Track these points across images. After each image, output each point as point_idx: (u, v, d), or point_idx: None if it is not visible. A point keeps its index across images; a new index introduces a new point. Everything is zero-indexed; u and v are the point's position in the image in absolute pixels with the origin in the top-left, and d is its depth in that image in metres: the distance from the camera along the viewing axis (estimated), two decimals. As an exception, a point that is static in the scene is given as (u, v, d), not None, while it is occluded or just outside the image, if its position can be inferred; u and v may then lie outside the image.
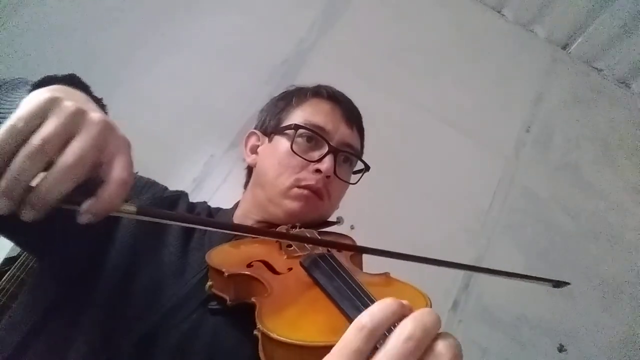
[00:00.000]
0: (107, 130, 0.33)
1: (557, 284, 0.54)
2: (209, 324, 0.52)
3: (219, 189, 1.48)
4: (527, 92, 1.87)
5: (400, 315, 0.30)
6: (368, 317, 0.30)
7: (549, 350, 1.46)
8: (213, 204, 1.50)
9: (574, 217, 1.68)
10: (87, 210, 0.30)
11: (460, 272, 1.52)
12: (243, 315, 0.50)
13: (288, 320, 0.41)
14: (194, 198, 1.54)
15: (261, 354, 0.40)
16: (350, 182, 0.74)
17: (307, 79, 1.67)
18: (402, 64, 1.79)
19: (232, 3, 1.76)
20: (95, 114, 0.33)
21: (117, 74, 1.57)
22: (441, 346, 0.29)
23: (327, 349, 0.32)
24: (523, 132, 1.80)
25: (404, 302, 0.31)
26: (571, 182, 1.75)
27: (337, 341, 0.32)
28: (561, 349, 1.47)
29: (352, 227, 1.37)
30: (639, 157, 1.83)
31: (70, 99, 0.32)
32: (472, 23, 1.95)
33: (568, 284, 0.55)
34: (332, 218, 0.75)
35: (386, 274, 0.54)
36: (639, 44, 1.86)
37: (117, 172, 0.31)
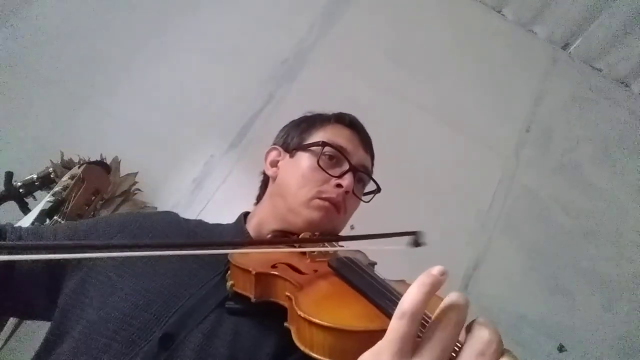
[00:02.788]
0: None
1: (415, 239, 0.57)
2: (228, 324, 0.55)
3: (219, 189, 1.48)
4: (527, 92, 1.88)
5: (433, 293, 0.32)
6: (408, 303, 0.32)
7: (549, 350, 1.46)
8: (213, 204, 1.51)
9: (574, 217, 1.69)
10: None
11: (461, 273, 1.52)
12: (260, 314, 0.54)
13: (325, 308, 0.43)
14: (194, 198, 1.55)
15: (298, 342, 0.41)
16: (363, 200, 0.80)
17: (307, 79, 1.69)
18: (402, 64, 1.79)
19: (232, 3, 1.76)
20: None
21: (118, 74, 1.57)
22: (478, 328, 0.31)
23: (365, 334, 0.36)
24: (523, 132, 1.80)
25: (435, 272, 0.32)
26: (571, 182, 1.75)
27: (374, 327, 0.36)
28: (561, 349, 1.47)
29: (352, 227, 1.37)
30: (639, 157, 1.83)
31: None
32: (472, 23, 1.95)
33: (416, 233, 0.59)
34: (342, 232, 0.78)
35: (403, 281, 0.57)
36: (639, 44, 1.86)
37: None
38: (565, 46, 1.99)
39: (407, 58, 1.81)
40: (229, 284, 0.55)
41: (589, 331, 1.51)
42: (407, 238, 0.58)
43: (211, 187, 1.48)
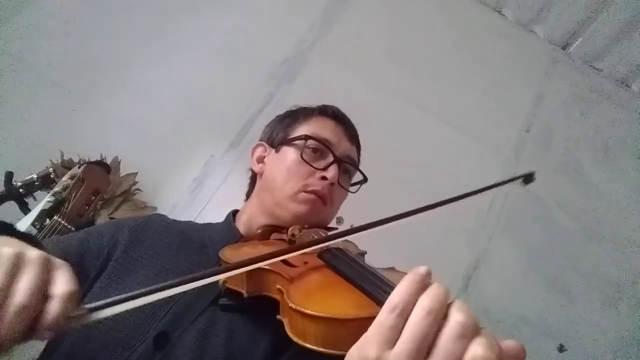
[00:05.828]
0: (46, 262, 0.35)
1: (526, 178, 0.55)
2: (223, 321, 0.55)
3: (219, 189, 1.48)
4: (527, 92, 1.87)
5: (421, 291, 0.33)
6: (398, 296, 0.32)
7: (549, 350, 1.46)
8: (213, 204, 1.51)
9: (574, 217, 1.68)
10: (42, 330, 0.33)
11: (461, 272, 1.52)
12: (254, 309, 0.54)
13: (316, 298, 0.44)
14: (194, 198, 1.55)
15: (291, 334, 0.41)
16: (350, 190, 0.81)
17: (307, 79, 1.69)
18: (402, 64, 1.79)
19: (233, 3, 1.76)
20: (32, 252, 0.35)
21: (118, 74, 1.57)
22: (455, 313, 0.32)
23: (356, 321, 0.37)
24: (523, 132, 1.80)
25: (422, 271, 0.33)
26: (571, 182, 1.75)
27: (364, 314, 0.36)
28: (561, 349, 1.47)
29: (351, 227, 1.37)
30: (639, 157, 1.83)
31: (7, 245, 0.35)
32: (472, 23, 1.95)
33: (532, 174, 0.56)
34: (332, 222, 0.78)
35: (392, 268, 0.57)
36: (639, 44, 1.85)
37: (59, 287, 0.34)
38: (565, 46, 1.99)
39: (408, 58, 1.81)
40: (221, 280, 0.55)
41: (589, 331, 1.51)
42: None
43: (211, 187, 1.48)
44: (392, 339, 0.31)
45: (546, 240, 1.63)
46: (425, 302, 0.32)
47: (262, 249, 0.61)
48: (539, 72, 1.92)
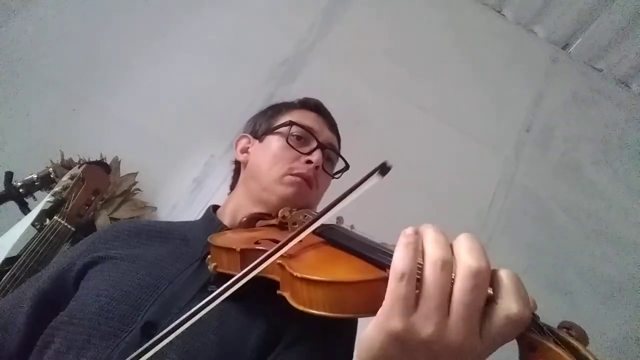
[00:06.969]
0: None
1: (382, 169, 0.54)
2: (213, 308, 0.54)
3: (219, 189, 1.48)
4: (527, 92, 1.87)
5: (418, 251, 0.34)
6: (400, 262, 0.33)
7: (549, 350, 1.46)
8: (213, 203, 1.50)
9: (574, 217, 1.68)
10: None
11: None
12: (244, 295, 0.52)
13: (321, 267, 0.44)
14: (194, 198, 1.54)
15: (296, 304, 0.41)
16: (334, 176, 0.84)
17: (307, 79, 1.69)
18: (402, 64, 1.79)
19: (233, 3, 1.76)
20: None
21: (118, 74, 1.57)
22: (463, 255, 0.33)
23: (362, 283, 0.37)
24: (523, 132, 1.80)
25: (409, 231, 0.34)
26: (571, 182, 1.75)
27: (370, 277, 0.37)
28: (561, 349, 1.47)
29: (352, 227, 1.36)
30: (639, 157, 1.83)
31: None
32: (472, 23, 1.95)
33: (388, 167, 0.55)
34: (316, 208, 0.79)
35: (384, 243, 0.57)
36: (639, 44, 1.85)
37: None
38: (565, 46, 1.99)
39: (407, 58, 1.81)
40: (212, 265, 0.54)
41: (589, 331, 1.51)
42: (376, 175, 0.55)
43: (211, 187, 1.48)
44: (411, 304, 0.32)
45: (546, 240, 1.63)
46: (431, 254, 0.33)
47: (252, 234, 0.60)
48: (539, 72, 1.92)
